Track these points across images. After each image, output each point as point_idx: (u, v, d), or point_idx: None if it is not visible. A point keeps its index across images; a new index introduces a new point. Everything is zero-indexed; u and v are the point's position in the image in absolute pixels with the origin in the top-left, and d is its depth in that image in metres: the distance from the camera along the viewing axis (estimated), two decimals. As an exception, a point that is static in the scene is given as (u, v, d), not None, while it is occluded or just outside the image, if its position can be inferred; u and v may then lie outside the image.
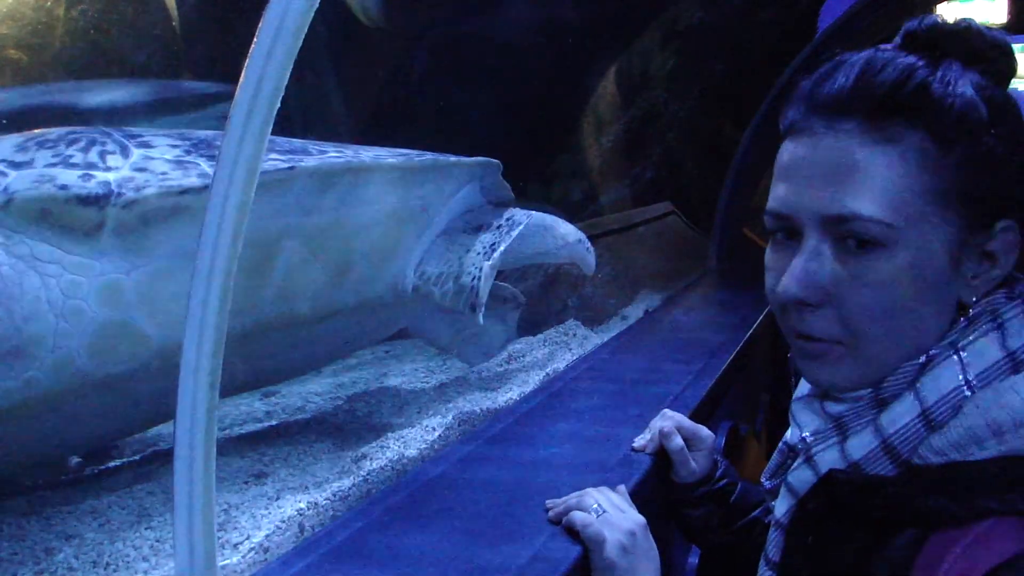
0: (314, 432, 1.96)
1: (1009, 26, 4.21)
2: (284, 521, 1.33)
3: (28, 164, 1.43)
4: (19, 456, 1.57)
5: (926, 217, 0.82)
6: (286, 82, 0.98)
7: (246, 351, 1.66)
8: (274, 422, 2.15)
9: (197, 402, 1.04)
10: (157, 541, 1.36)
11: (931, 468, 0.82)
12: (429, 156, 2.01)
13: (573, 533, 1.21)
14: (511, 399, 2.03)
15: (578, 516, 1.21)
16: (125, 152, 1.52)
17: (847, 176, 0.83)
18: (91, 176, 1.44)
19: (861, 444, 0.86)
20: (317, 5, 0.95)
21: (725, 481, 1.42)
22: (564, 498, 1.30)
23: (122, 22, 2.59)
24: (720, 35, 4.67)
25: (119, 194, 1.44)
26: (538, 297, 3.14)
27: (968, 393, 0.81)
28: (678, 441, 1.44)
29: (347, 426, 1.99)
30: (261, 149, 0.99)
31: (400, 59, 3.64)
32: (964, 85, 0.84)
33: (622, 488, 1.33)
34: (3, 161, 1.42)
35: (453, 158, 2.06)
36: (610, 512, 1.21)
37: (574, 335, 2.72)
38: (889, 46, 0.91)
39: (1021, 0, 4.22)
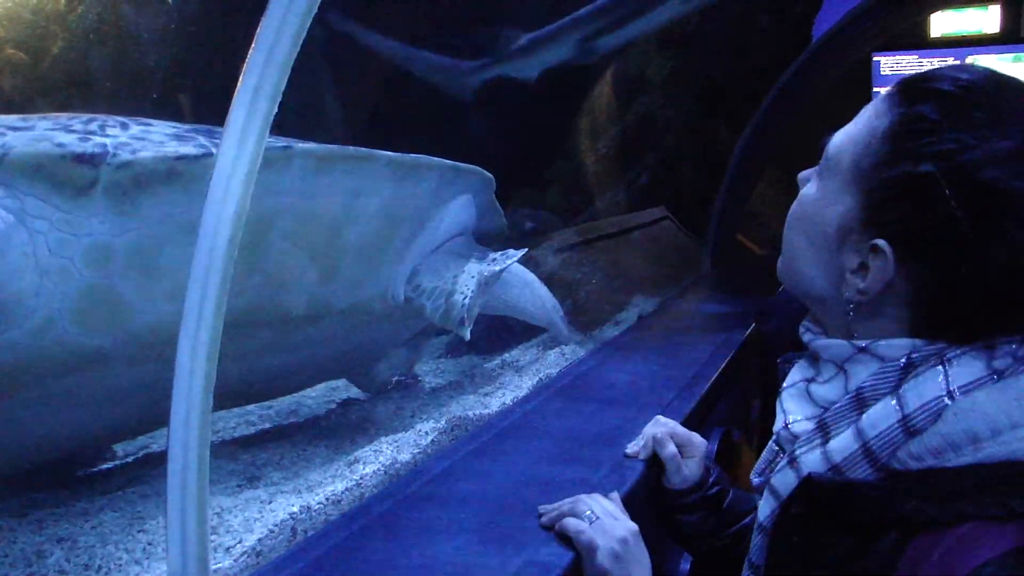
0: (307, 436, 1.96)
1: (1002, 35, 4.23)
2: (277, 525, 1.33)
3: (29, 128, 1.44)
4: (12, 453, 1.56)
5: (846, 180, 0.91)
6: (284, 86, 0.98)
7: (235, 346, 1.65)
8: (267, 425, 2.15)
9: (191, 405, 1.04)
10: (150, 544, 1.36)
11: (909, 473, 0.83)
12: (424, 157, 2.00)
13: (566, 539, 1.21)
14: (504, 404, 2.04)
15: (571, 523, 1.22)
16: (125, 126, 1.53)
17: (850, 127, 0.94)
18: (88, 139, 1.45)
19: (842, 447, 0.87)
20: (316, 9, 0.96)
21: (717, 488, 1.42)
22: (557, 504, 1.30)
23: (122, 24, 2.59)
24: (716, 41, 4.68)
25: (114, 155, 1.43)
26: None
27: (948, 402, 0.82)
28: (671, 448, 1.45)
29: (340, 430, 1.99)
30: (259, 154, 1.00)
31: (395, 67, 3.64)
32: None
33: (615, 495, 1.33)
34: (4, 126, 1.43)
35: (448, 162, 2.06)
36: (603, 519, 1.21)
37: (568, 340, 2.72)
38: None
39: (1014, 9, 4.24)
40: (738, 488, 1.44)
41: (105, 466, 1.90)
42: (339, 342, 2.00)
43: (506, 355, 2.50)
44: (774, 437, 0.99)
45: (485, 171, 2.18)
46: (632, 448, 1.55)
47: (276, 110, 0.99)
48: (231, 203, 1.01)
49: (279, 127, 1.01)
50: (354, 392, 2.45)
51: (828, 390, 0.93)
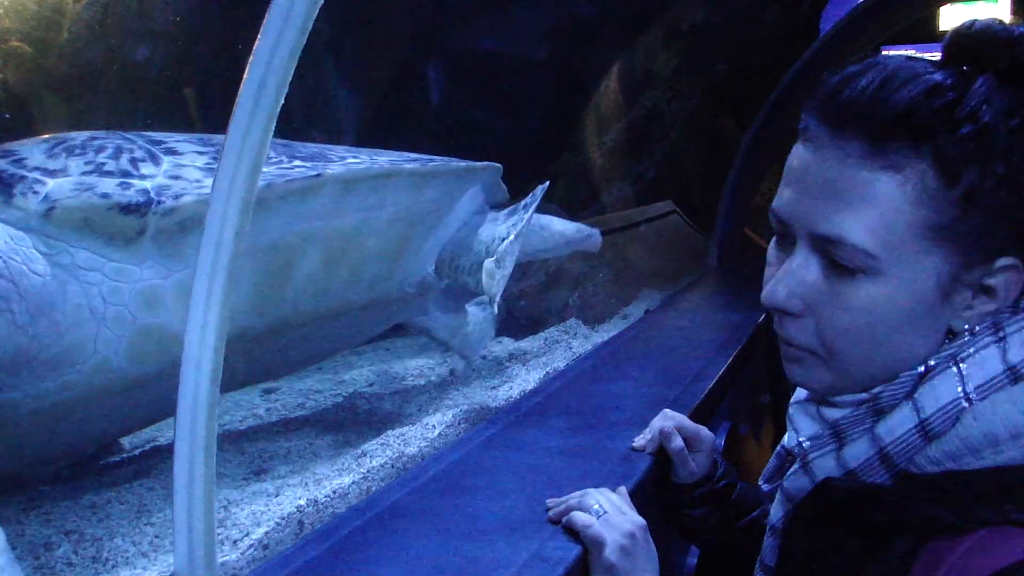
0: (314, 429, 1.96)
1: (1012, 28, 4.20)
2: (284, 518, 1.33)
3: (63, 172, 1.45)
4: (39, 452, 1.59)
5: (917, 251, 0.81)
6: (289, 79, 0.98)
7: (266, 345, 1.72)
8: (274, 419, 2.15)
9: (198, 399, 1.04)
10: (157, 537, 1.36)
11: (927, 477, 0.82)
12: (440, 161, 2.06)
13: (573, 533, 1.21)
14: (511, 397, 2.03)
15: (579, 516, 1.21)
16: (155, 160, 1.55)
17: (841, 198, 0.82)
18: (129, 184, 1.47)
19: (857, 453, 0.86)
20: (322, 2, 0.95)
21: (725, 482, 1.42)
22: (565, 497, 1.29)
23: (128, 17, 2.59)
24: (723, 35, 4.67)
25: (159, 202, 1.47)
26: (539, 296, 3.15)
27: (965, 405, 0.81)
28: (678, 442, 1.44)
29: (347, 423, 1.99)
30: (264, 147, 0.99)
31: (403, 59, 3.64)
32: (988, 111, 0.79)
33: (622, 489, 1.32)
34: (38, 169, 1.44)
35: (463, 163, 2.11)
36: (611, 513, 1.21)
37: (575, 334, 2.73)
38: (932, 51, 0.88)
39: (1024, 2, 4.22)
40: (746, 482, 1.43)
41: (112, 459, 1.91)
42: (357, 330, 2.09)
43: (512, 348, 2.50)
44: (781, 446, 0.99)
45: (494, 164, 2.23)
46: (639, 441, 1.55)
47: (282, 102, 0.99)
48: (237, 196, 1.01)
49: (285, 119, 1.01)
50: (360, 386, 2.45)
51: (840, 412, 0.90)
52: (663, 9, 4.51)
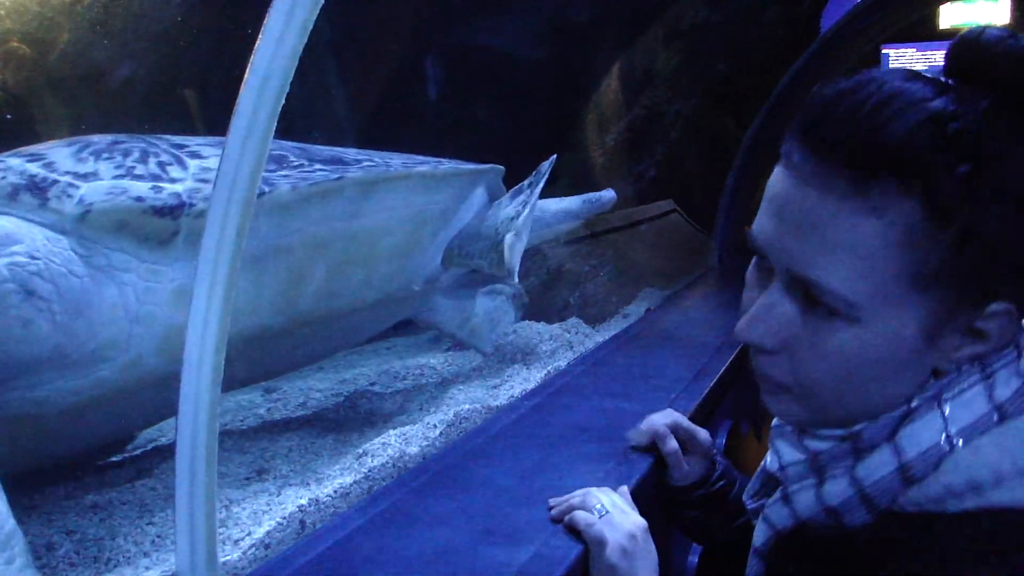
0: (316, 428, 1.96)
1: (1012, 27, 4.20)
2: (285, 517, 1.33)
3: (95, 175, 1.48)
4: (58, 450, 1.61)
5: (901, 298, 0.75)
6: (291, 79, 0.98)
7: (277, 344, 1.75)
8: (275, 418, 2.15)
9: (199, 398, 1.05)
10: (158, 537, 1.36)
11: (908, 517, 0.79)
12: (449, 164, 2.11)
13: (575, 532, 1.21)
14: (512, 396, 2.04)
15: (581, 516, 1.21)
16: (182, 164, 1.58)
17: (821, 240, 0.76)
18: (161, 188, 1.50)
19: (838, 491, 0.82)
20: (323, 1, 0.95)
21: (722, 483, 1.41)
22: (566, 496, 1.29)
23: (129, 16, 2.59)
24: (723, 34, 4.67)
25: (191, 204, 1.50)
26: (540, 294, 3.15)
27: (948, 449, 0.77)
28: (672, 444, 1.44)
29: (348, 422, 1.99)
30: (266, 147, 0.99)
31: (404, 59, 3.64)
32: (991, 143, 0.72)
33: (624, 489, 1.32)
34: (69, 173, 1.47)
35: (471, 166, 2.16)
36: (612, 513, 1.20)
37: (575, 332, 2.73)
38: (933, 70, 0.79)
39: (1024, 1, 4.22)
40: (748, 478, 1.43)
41: (114, 459, 1.91)
42: (363, 328, 2.13)
43: (514, 347, 2.49)
44: (763, 467, 0.96)
45: (497, 166, 2.29)
46: (631, 434, 1.55)
47: (283, 101, 0.99)
48: (239, 193, 1.01)
49: (286, 119, 1.01)
50: (362, 385, 2.45)
51: (821, 444, 0.85)
52: (663, 8, 4.51)
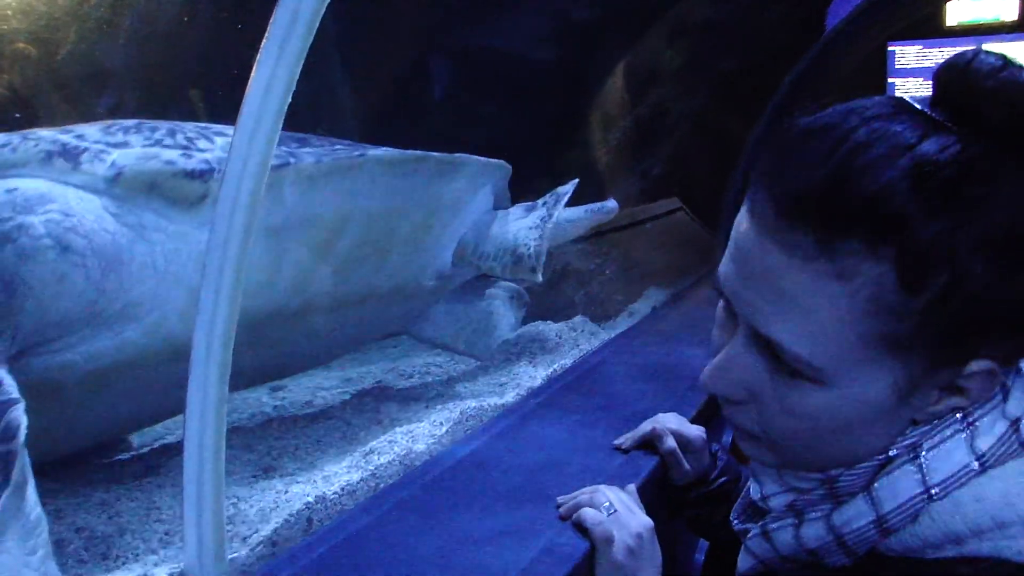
0: (322, 426, 1.96)
1: (1020, 23, 4.18)
2: (292, 515, 1.34)
3: (125, 144, 1.51)
4: (75, 434, 1.62)
5: (870, 361, 0.70)
6: (296, 78, 0.98)
7: (292, 331, 1.77)
8: (282, 416, 2.16)
9: (207, 396, 1.05)
10: (167, 534, 1.37)
11: (887, 559, 0.76)
12: (463, 155, 2.13)
13: (582, 529, 1.21)
14: (518, 394, 2.04)
15: (588, 513, 1.21)
16: (208, 139, 1.61)
17: (783, 299, 0.70)
18: (191, 155, 1.53)
19: (815, 535, 0.79)
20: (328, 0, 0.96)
21: (724, 479, 1.41)
22: (575, 493, 1.30)
23: (135, 17, 2.59)
24: (728, 32, 4.66)
25: (219, 170, 1.51)
26: (545, 293, 3.14)
27: (925, 502, 0.74)
28: (670, 443, 1.43)
29: (355, 420, 1.99)
30: (271, 147, 1.00)
31: (409, 56, 3.64)
32: (977, 188, 0.66)
33: (632, 488, 1.32)
34: (99, 142, 1.49)
35: (484, 159, 2.19)
36: (620, 512, 1.21)
37: (581, 331, 2.73)
38: (920, 101, 0.71)
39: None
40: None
41: (122, 456, 1.91)
42: (371, 323, 2.14)
43: (521, 345, 2.49)
44: (747, 492, 0.93)
45: (505, 163, 2.31)
46: (622, 438, 1.55)
47: (289, 100, 1.00)
48: (244, 194, 1.02)
49: (291, 117, 1.01)
50: (368, 384, 2.46)
51: (801, 482, 0.82)
52: (667, 7, 4.50)
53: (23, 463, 1.10)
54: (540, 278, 2.14)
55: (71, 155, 1.45)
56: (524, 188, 2.36)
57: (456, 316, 2.41)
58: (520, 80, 3.83)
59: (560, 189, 2.29)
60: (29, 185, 1.39)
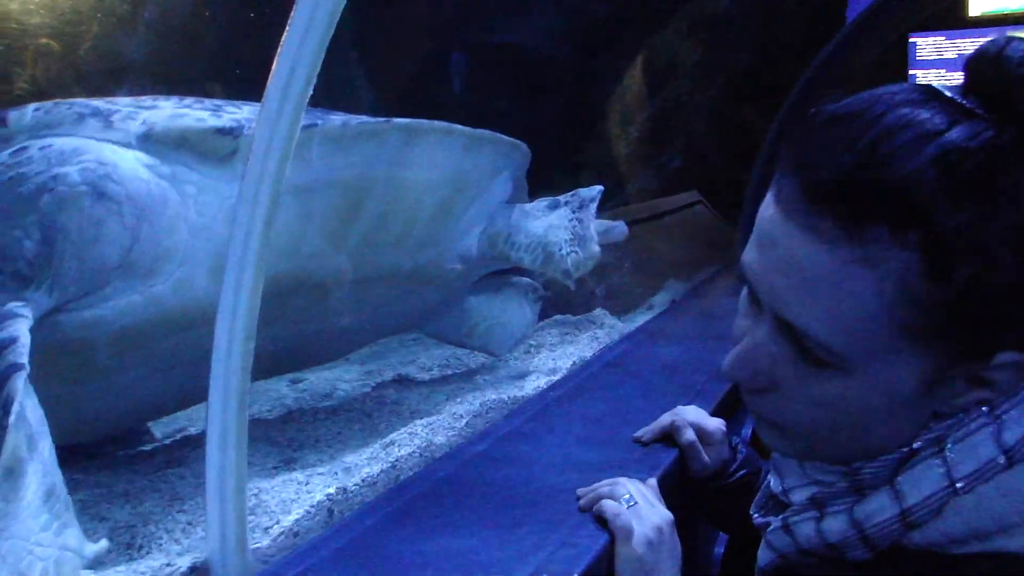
0: (343, 419, 1.97)
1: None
2: (314, 506, 1.34)
3: (155, 107, 1.54)
4: (106, 411, 1.62)
5: (896, 350, 0.70)
6: (316, 73, 0.99)
7: (321, 304, 1.78)
8: (303, 408, 2.17)
9: (229, 388, 1.06)
10: (189, 524, 1.38)
11: (910, 553, 0.76)
12: (487, 131, 2.13)
13: (602, 521, 1.21)
14: (538, 387, 2.04)
15: (609, 505, 1.21)
16: (236, 106, 1.64)
17: (808, 286, 0.70)
18: (220, 114, 1.56)
19: (837, 528, 0.78)
20: (349, -7, 0.96)
21: (744, 472, 1.39)
22: (595, 485, 1.29)
23: (157, 11, 2.60)
24: (746, 23, 4.64)
25: (249, 127, 1.54)
26: (565, 286, 3.15)
27: (950, 496, 0.73)
28: (689, 435, 1.42)
29: (375, 413, 2.00)
30: (291, 144, 1.00)
31: (428, 51, 3.64)
32: (1008, 184, 0.65)
33: (652, 481, 1.32)
34: (130, 106, 1.53)
35: (506, 137, 2.18)
36: (640, 504, 1.20)
37: (601, 324, 2.73)
38: (951, 89, 0.70)
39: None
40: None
41: (144, 448, 1.93)
42: (397, 304, 2.11)
43: (540, 338, 2.50)
44: (768, 482, 0.93)
45: (525, 146, 2.29)
46: (642, 431, 1.55)
47: (310, 93, 1.00)
48: (266, 187, 1.02)
49: (310, 111, 1.01)
50: (388, 376, 2.47)
51: (823, 475, 0.83)
52: (686, 0, 4.49)
53: (17, 437, 1.09)
54: (573, 286, 2.16)
55: (103, 115, 1.48)
56: (542, 183, 2.36)
57: (471, 313, 2.40)
58: (538, 75, 3.84)
59: (584, 193, 2.28)
60: (63, 141, 1.42)
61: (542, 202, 2.29)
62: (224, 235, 1.48)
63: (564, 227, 2.19)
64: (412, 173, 1.87)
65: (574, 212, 2.23)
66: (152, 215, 1.44)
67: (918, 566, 0.75)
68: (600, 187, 2.31)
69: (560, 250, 2.14)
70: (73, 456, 1.71)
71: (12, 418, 1.08)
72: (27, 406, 1.12)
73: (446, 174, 1.99)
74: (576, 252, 2.14)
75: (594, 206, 2.25)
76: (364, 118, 1.76)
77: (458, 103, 3.74)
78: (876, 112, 0.68)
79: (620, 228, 2.45)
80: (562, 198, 2.29)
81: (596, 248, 2.18)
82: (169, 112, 1.53)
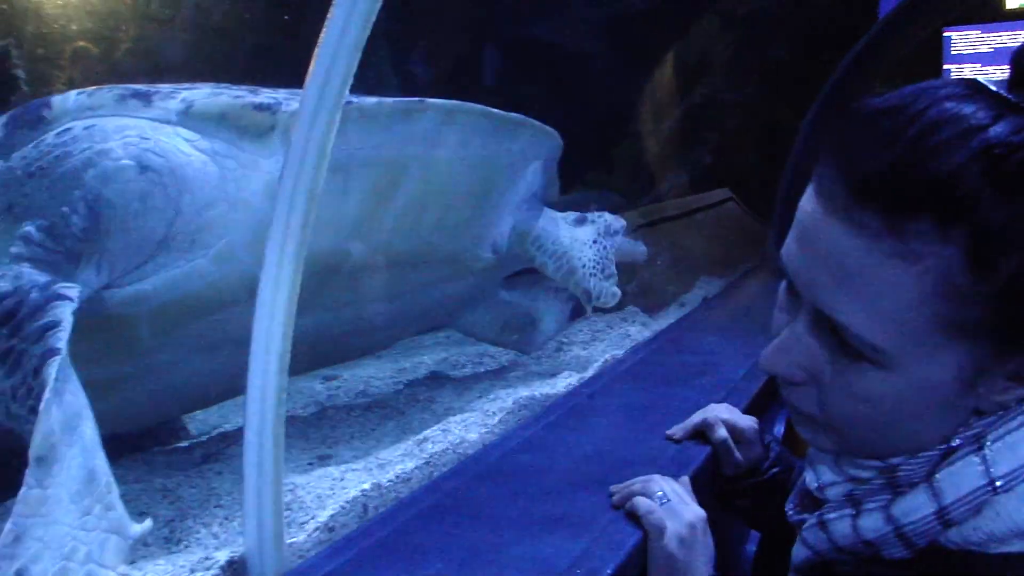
0: (376, 415, 1.99)
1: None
2: (348, 502, 1.35)
3: (195, 88, 1.57)
4: (145, 402, 1.65)
5: (936, 345, 0.69)
6: (354, 70, 1.00)
7: (357, 290, 1.79)
8: (336, 405, 2.19)
9: (267, 387, 1.07)
10: (226, 519, 1.40)
11: (948, 553, 0.75)
12: (522, 116, 2.13)
13: (635, 518, 1.21)
14: (570, 384, 2.04)
15: (642, 502, 1.21)
16: (274, 89, 1.66)
17: (849, 280, 0.70)
18: (258, 93, 1.60)
19: (873, 526, 0.78)
20: (384, -5, 0.97)
21: (776, 470, 1.38)
22: (628, 482, 1.29)
23: (193, 13, 2.64)
24: (779, 20, 4.61)
25: (287, 104, 1.57)
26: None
27: (989, 494, 0.72)
28: (721, 433, 1.42)
29: (408, 410, 2.01)
30: (329, 140, 1.01)
31: (463, 51, 3.65)
32: None
33: (685, 479, 1.31)
34: (170, 87, 1.56)
35: (539, 123, 2.17)
36: (673, 502, 1.20)
37: (633, 321, 2.73)
38: (998, 84, 0.69)
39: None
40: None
41: (181, 444, 1.96)
42: (431, 293, 2.11)
43: (572, 335, 2.50)
44: (804, 479, 0.91)
45: (557, 134, 2.28)
46: (673, 429, 1.55)
47: (347, 92, 1.01)
48: (300, 197, 1.04)
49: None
50: (420, 373, 2.48)
51: (859, 471, 0.82)
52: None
53: (49, 423, 1.08)
54: (589, 312, 2.17)
55: (143, 96, 1.51)
56: (574, 179, 2.37)
57: (502, 310, 2.40)
58: (571, 71, 3.83)
59: (610, 219, 2.29)
60: (105, 120, 1.45)
61: (570, 215, 2.29)
62: (263, 209, 1.51)
63: (589, 245, 2.20)
64: (448, 154, 1.88)
65: (599, 235, 2.23)
66: (193, 188, 1.46)
67: (956, 565, 0.74)
68: (624, 222, 2.32)
69: (583, 267, 2.15)
70: (114, 451, 1.73)
71: (43, 404, 1.08)
72: (67, 389, 1.13)
73: (482, 157, 2.00)
74: (598, 277, 2.15)
75: (619, 238, 2.26)
76: (400, 99, 1.78)
77: (491, 98, 3.75)
78: (920, 106, 0.68)
79: (641, 250, 2.46)
80: (589, 216, 2.29)
81: (616, 289, 2.18)
82: (207, 91, 1.56)
